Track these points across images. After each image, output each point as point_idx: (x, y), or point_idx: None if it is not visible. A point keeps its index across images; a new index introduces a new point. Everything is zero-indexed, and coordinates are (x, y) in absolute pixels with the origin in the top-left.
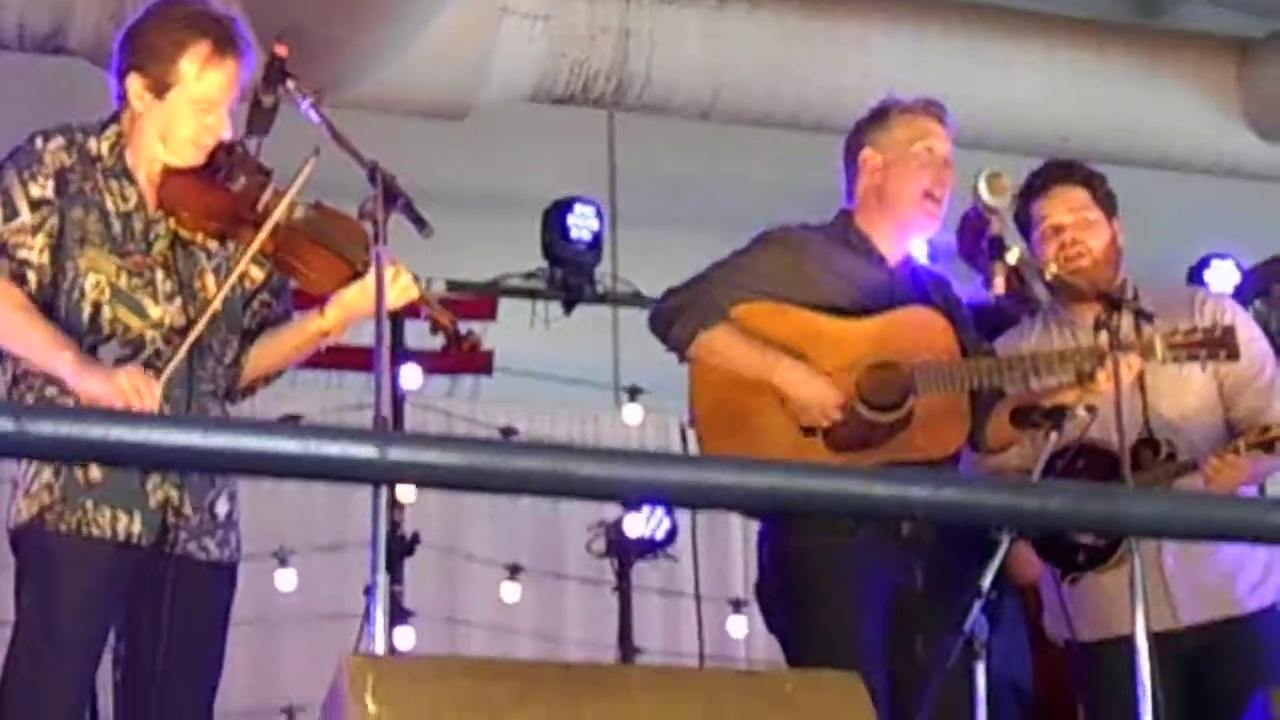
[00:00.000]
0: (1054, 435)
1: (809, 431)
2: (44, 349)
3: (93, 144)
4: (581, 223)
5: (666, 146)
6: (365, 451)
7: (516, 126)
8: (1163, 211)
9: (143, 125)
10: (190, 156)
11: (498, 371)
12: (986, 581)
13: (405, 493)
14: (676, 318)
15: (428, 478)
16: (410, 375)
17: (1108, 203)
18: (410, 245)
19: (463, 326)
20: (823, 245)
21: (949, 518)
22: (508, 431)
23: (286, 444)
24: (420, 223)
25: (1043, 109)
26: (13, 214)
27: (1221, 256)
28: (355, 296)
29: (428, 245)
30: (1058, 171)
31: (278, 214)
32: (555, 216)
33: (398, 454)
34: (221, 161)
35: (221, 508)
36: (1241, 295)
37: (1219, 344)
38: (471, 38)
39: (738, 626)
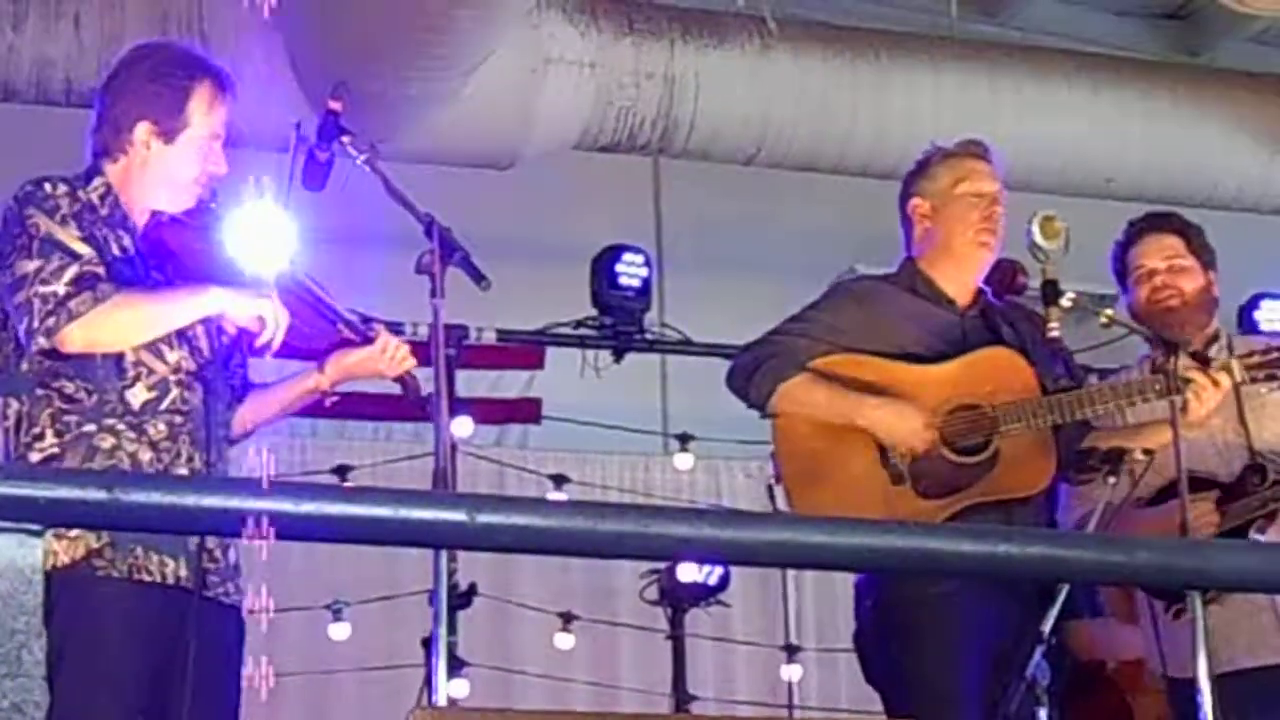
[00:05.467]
0: (1112, 480)
1: (897, 479)
2: (189, 304)
3: (82, 195)
4: (630, 270)
5: (712, 192)
6: (455, 515)
7: (563, 175)
8: None
9: (143, 173)
10: (192, 199)
11: (545, 420)
12: (1047, 627)
13: None
14: (754, 373)
15: (517, 541)
16: (461, 425)
17: (1203, 253)
18: (458, 295)
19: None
20: (893, 294)
21: (1037, 572)
22: (559, 479)
23: (377, 509)
24: (479, 276)
25: (1088, 149)
26: (73, 255)
27: (1271, 296)
28: (357, 363)
29: (476, 295)
30: (1153, 220)
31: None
32: (604, 264)
33: (487, 518)
34: (202, 214)
35: (232, 554)
36: None
37: None
38: (517, 87)
39: (791, 674)
